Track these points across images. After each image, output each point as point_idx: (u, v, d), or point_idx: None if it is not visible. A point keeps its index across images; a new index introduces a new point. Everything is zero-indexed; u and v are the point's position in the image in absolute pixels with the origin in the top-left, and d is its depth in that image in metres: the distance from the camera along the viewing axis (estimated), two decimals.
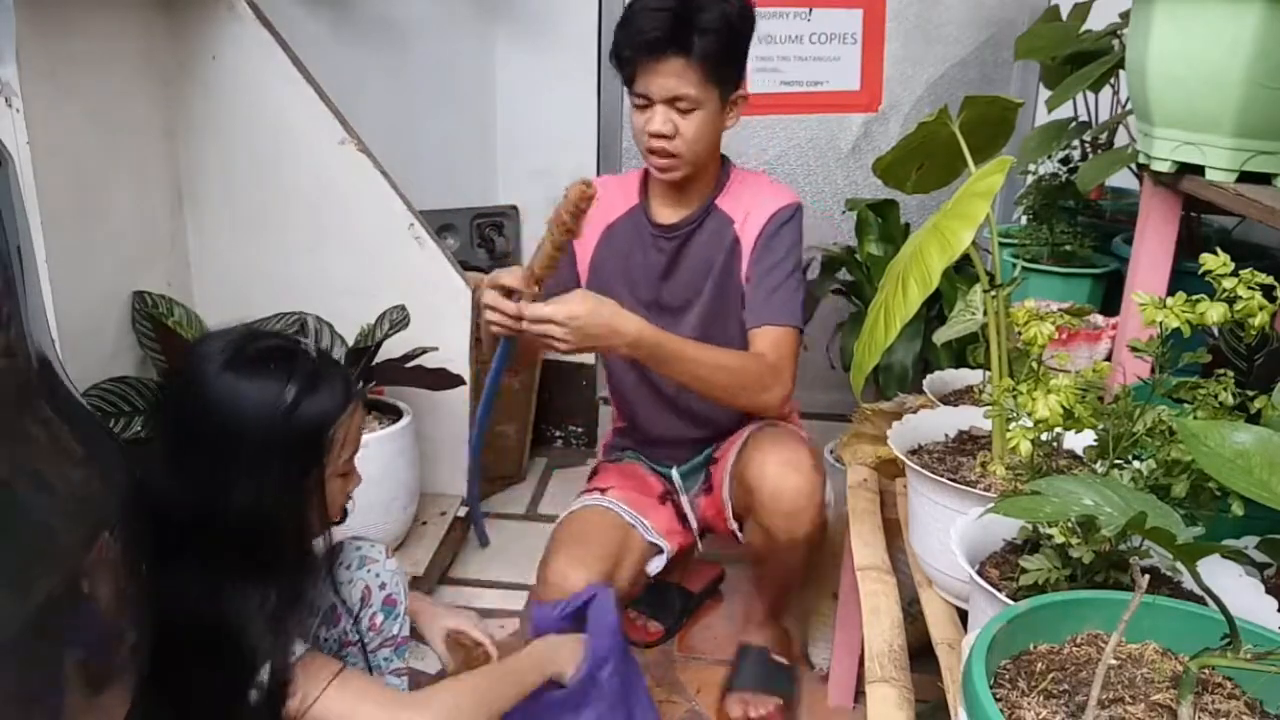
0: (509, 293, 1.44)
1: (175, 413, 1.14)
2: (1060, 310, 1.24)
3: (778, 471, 1.54)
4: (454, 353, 2.09)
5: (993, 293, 1.20)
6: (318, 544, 1.23)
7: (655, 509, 1.79)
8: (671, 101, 1.54)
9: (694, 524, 1.80)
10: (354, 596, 1.32)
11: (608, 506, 1.73)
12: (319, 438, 1.13)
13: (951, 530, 1.02)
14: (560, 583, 1.57)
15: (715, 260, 1.69)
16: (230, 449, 1.07)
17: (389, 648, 1.35)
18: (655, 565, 1.73)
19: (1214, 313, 0.90)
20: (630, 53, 1.55)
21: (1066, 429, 1.01)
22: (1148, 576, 0.74)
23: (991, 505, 0.85)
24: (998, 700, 0.71)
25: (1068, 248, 1.94)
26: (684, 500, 1.80)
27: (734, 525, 1.72)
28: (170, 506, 1.04)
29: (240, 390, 1.09)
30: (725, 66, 1.54)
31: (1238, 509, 0.85)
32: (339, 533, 1.30)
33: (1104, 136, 1.96)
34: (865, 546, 1.41)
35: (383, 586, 1.34)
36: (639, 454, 1.88)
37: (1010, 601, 0.87)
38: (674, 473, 1.81)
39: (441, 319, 2.10)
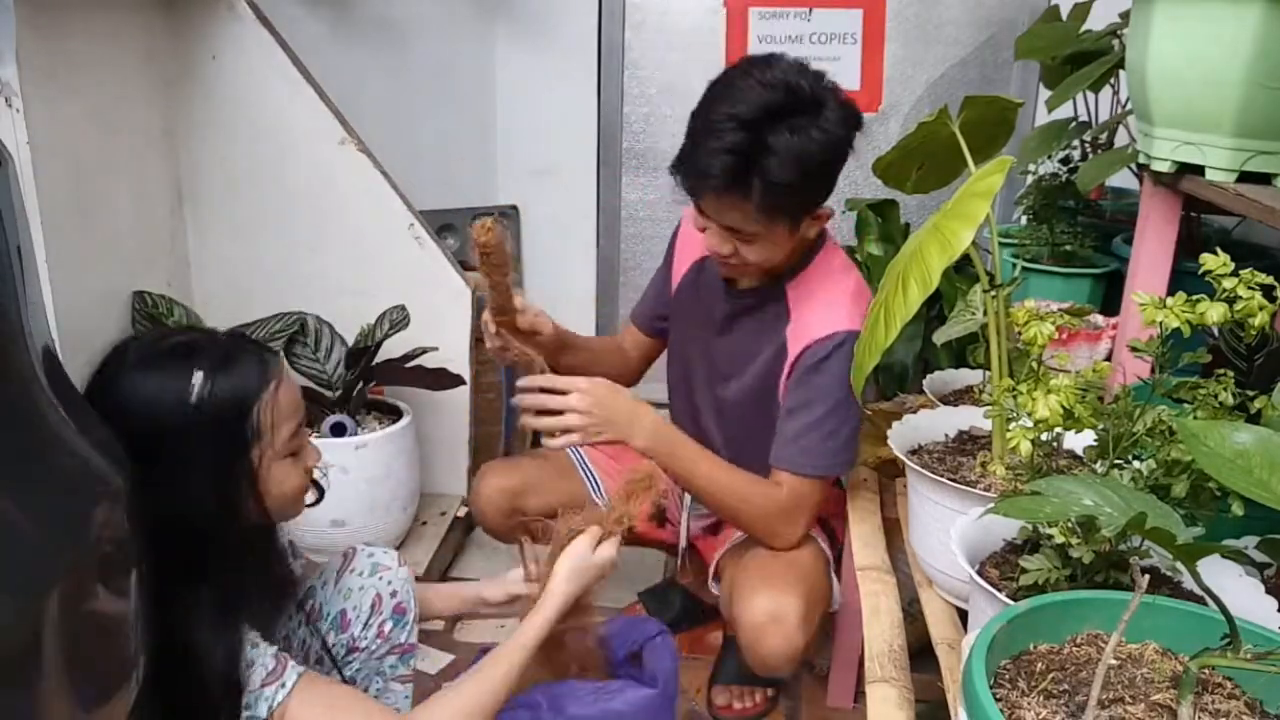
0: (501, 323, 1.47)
1: None
2: (1060, 310, 1.24)
3: (759, 622, 1.42)
4: (454, 353, 2.09)
5: (993, 293, 1.20)
6: (279, 533, 1.17)
7: None
8: (730, 229, 1.40)
9: (682, 534, 1.77)
10: (364, 603, 1.31)
11: (569, 451, 1.79)
12: (240, 422, 1.07)
13: (951, 530, 1.02)
14: (477, 483, 1.75)
15: (760, 354, 1.55)
16: (146, 450, 1.00)
17: (395, 654, 1.34)
18: None
19: (1214, 313, 0.90)
20: (690, 184, 1.40)
21: (1066, 429, 1.01)
22: (1148, 576, 0.74)
23: (991, 505, 0.85)
24: (998, 700, 0.71)
25: (1068, 248, 1.94)
26: (682, 511, 1.77)
27: (712, 587, 1.68)
28: None
29: (146, 386, 1.05)
30: (797, 205, 1.38)
31: (1238, 509, 0.85)
32: (351, 539, 1.28)
33: (1104, 136, 1.97)
34: (865, 546, 1.41)
35: (394, 594, 1.33)
36: None
37: (1010, 601, 0.87)
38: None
39: (441, 319, 2.10)
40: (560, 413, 1.40)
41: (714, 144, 1.32)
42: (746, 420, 1.60)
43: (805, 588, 1.47)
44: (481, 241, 1.31)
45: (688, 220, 1.72)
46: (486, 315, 1.48)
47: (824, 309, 1.48)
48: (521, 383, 1.44)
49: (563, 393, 1.40)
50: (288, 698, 1.05)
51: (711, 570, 1.68)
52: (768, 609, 1.42)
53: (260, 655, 1.07)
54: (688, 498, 1.76)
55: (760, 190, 1.32)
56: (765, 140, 1.30)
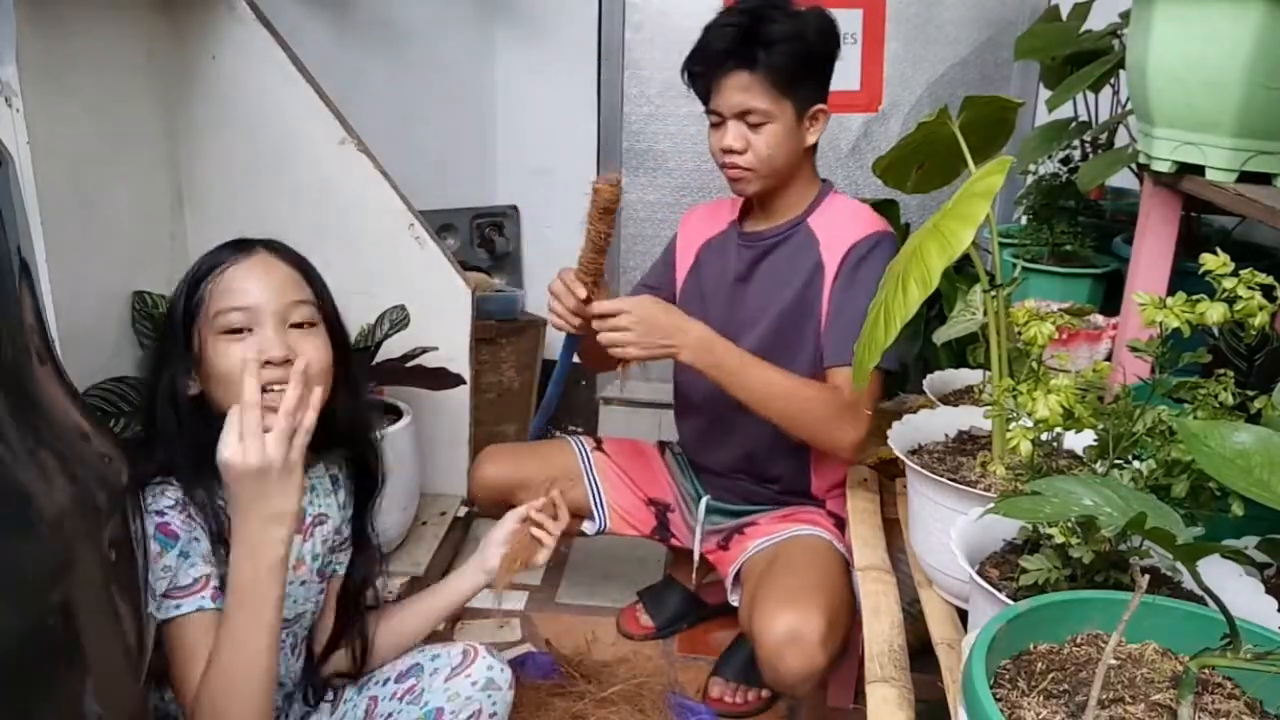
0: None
1: None
2: (1060, 310, 1.24)
3: (779, 642, 1.42)
4: (454, 353, 2.09)
5: (993, 293, 1.20)
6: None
7: (630, 496, 1.80)
8: (742, 116, 1.52)
9: (696, 547, 1.77)
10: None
11: (576, 450, 1.85)
12: (190, 293, 1.18)
13: (951, 530, 1.02)
14: (476, 467, 1.85)
15: (795, 279, 1.62)
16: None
17: (343, 552, 1.37)
18: (587, 526, 1.82)
19: (1214, 313, 0.90)
20: (699, 67, 1.55)
21: (1066, 429, 1.01)
22: (1148, 576, 0.74)
23: (991, 505, 0.85)
24: (998, 700, 0.71)
25: (1068, 248, 1.94)
26: (695, 524, 1.77)
27: (732, 599, 1.68)
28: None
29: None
30: (797, 80, 1.51)
31: (1238, 509, 0.85)
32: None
33: (1104, 136, 1.97)
34: (865, 546, 1.41)
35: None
36: (685, 461, 1.87)
37: (1010, 601, 0.87)
38: (703, 501, 1.77)
39: (441, 319, 2.10)
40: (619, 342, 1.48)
41: (719, 23, 1.52)
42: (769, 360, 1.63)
43: (827, 601, 1.45)
44: (606, 197, 1.44)
45: (685, 222, 1.80)
46: (558, 287, 1.55)
47: (850, 222, 1.60)
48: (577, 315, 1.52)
49: (614, 314, 1.47)
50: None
51: (729, 581, 1.68)
52: (788, 628, 1.41)
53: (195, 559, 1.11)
54: (700, 509, 1.76)
55: (764, 58, 1.47)
56: (764, 15, 1.49)
